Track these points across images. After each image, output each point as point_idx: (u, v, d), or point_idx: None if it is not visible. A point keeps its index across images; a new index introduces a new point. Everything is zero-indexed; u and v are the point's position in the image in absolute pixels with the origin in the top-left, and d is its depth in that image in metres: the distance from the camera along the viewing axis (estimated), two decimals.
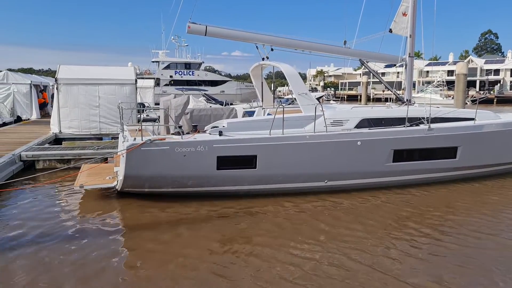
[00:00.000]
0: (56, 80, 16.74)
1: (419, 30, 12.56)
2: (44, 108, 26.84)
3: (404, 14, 12.56)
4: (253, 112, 12.36)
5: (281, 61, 11.12)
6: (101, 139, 17.12)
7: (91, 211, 8.88)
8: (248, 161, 9.28)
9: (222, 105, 26.77)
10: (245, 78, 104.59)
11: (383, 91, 67.62)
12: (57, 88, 16.78)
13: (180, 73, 51.40)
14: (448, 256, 6.67)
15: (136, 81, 17.87)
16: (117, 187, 9.32)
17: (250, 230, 7.78)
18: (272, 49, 11.31)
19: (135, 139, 8.77)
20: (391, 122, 10.61)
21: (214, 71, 58.95)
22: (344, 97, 71.46)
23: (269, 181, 9.58)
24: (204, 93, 32.84)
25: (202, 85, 50.08)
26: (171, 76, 51.14)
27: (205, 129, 10.08)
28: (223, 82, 53.27)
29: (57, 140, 16.56)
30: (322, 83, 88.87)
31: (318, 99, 24.38)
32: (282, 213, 8.75)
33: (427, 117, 10.69)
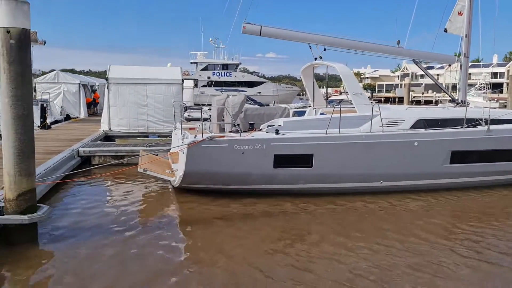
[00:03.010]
0: (107, 80, 17.29)
1: (476, 30, 12.28)
2: (91, 107, 27.76)
3: (460, 13, 12.29)
4: (303, 112, 12.40)
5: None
6: (147, 137, 17.57)
7: (147, 205, 9.18)
8: (305, 160, 9.31)
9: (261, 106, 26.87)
10: (279, 79, 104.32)
11: (423, 93, 66.07)
12: (107, 88, 17.32)
13: (218, 74, 51.93)
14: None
15: (182, 81, 18.23)
16: (175, 184, 9.54)
17: (305, 228, 7.81)
18: (325, 49, 11.30)
19: (195, 136, 8.97)
20: (447, 123, 10.40)
21: (249, 72, 59.19)
22: (381, 100, 70.27)
23: (324, 180, 9.58)
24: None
25: (239, 86, 50.42)
26: (208, 77, 51.74)
27: (261, 127, 10.20)
28: (260, 83, 53.43)
29: (106, 138, 17.09)
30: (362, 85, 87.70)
31: None
32: (336, 213, 8.74)
33: (485, 118, 10.42)
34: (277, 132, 9.37)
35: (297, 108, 12.88)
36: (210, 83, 51.39)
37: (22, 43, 6.19)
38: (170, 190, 10.30)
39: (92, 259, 6.25)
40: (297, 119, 10.29)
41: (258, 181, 9.42)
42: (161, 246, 6.87)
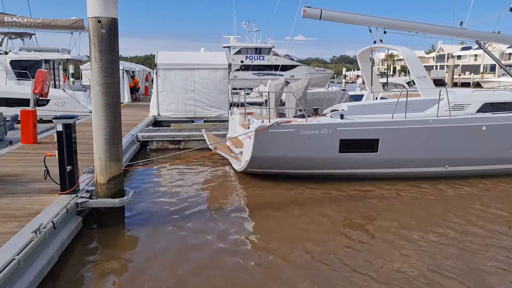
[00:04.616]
0: (155, 65, 17.51)
1: None
2: (133, 92, 28.23)
3: None
4: (360, 96, 12.31)
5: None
6: (193, 122, 17.79)
7: (214, 189, 9.39)
8: (370, 145, 9.30)
9: None
10: (308, 62, 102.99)
11: (459, 75, 64.30)
12: (156, 73, 17.55)
13: (251, 58, 51.76)
14: None
15: (229, 65, 18.28)
16: (240, 168, 9.70)
17: (372, 214, 7.81)
18: (385, 32, 11.12)
19: (262, 121, 9.07)
20: None
21: (279, 56, 58.54)
22: None
23: (390, 165, 9.55)
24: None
25: (273, 70, 50.14)
26: (242, 61, 51.66)
27: (324, 112, 10.20)
28: (293, 66, 52.93)
29: (155, 123, 17.40)
30: (393, 67, 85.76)
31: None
32: (402, 198, 8.71)
33: None
34: (342, 117, 9.36)
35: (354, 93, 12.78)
36: (243, 67, 51.37)
37: (111, 33, 6.37)
38: (232, 174, 10.49)
39: (178, 242, 6.46)
40: (361, 104, 10.24)
41: (323, 166, 9.48)
42: (239, 230, 7.04)
